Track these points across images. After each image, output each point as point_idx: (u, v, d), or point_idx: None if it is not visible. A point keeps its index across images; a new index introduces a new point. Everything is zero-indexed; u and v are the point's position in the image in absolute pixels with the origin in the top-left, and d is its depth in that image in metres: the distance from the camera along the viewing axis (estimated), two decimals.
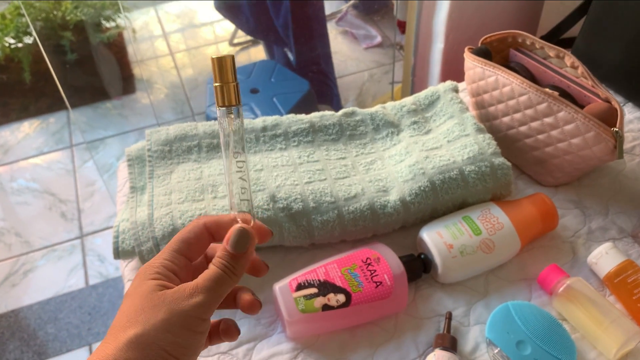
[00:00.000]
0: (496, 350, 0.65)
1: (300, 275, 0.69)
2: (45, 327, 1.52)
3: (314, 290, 0.67)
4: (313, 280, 0.68)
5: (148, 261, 0.45)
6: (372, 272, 0.69)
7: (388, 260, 0.71)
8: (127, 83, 2.39)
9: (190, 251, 0.46)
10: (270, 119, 0.85)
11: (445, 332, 0.67)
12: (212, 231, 0.47)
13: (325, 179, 0.78)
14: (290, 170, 0.79)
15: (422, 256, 0.73)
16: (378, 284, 0.68)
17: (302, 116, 0.86)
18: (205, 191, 0.76)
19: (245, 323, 0.69)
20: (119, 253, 0.72)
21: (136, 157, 0.83)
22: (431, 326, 0.69)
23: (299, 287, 0.68)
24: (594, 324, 0.66)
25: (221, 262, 0.44)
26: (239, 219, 0.47)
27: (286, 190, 0.74)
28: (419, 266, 0.73)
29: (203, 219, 0.47)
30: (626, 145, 0.89)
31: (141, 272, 0.44)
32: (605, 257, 0.72)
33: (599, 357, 0.66)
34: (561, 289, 0.69)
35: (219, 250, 0.45)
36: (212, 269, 0.43)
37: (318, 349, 0.67)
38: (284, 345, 0.68)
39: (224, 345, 0.68)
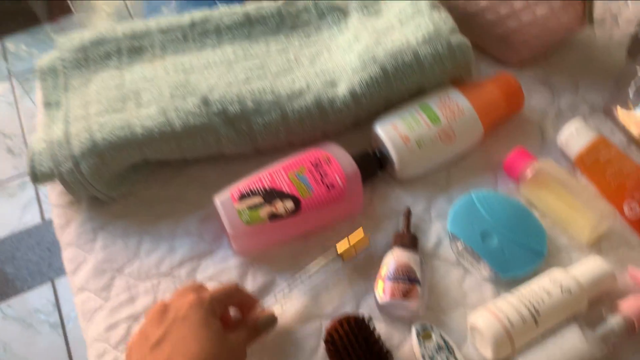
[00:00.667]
0: (460, 245, 0.60)
1: (242, 185, 0.62)
2: (4, 267, 1.46)
3: (258, 199, 0.61)
4: (257, 188, 0.61)
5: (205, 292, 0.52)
6: (323, 174, 0.62)
7: (339, 160, 0.63)
8: (58, 3, 2.18)
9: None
10: (199, 14, 0.75)
11: (404, 230, 0.62)
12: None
13: (265, 76, 0.69)
14: (225, 70, 0.69)
15: (377, 152, 0.66)
16: (329, 186, 0.62)
17: (236, 7, 0.76)
18: (127, 100, 0.66)
19: (186, 242, 0.63)
20: (36, 176, 0.63)
21: (49, 69, 0.72)
22: (390, 226, 0.64)
23: (242, 197, 0.61)
24: (565, 206, 0.61)
25: (249, 328, 0.54)
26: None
27: (220, 91, 0.65)
28: (373, 163, 0.66)
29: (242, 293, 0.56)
30: (596, 16, 0.81)
31: (209, 308, 0.50)
32: (575, 136, 0.66)
33: (571, 242, 0.62)
34: (529, 173, 0.63)
35: (249, 318, 0.55)
36: (243, 331, 0.53)
37: (269, 261, 0.61)
38: (232, 261, 0.62)
39: (165, 266, 0.61)
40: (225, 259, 0.62)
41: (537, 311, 0.53)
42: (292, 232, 0.62)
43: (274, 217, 0.60)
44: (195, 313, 0.49)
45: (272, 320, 0.55)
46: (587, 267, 0.57)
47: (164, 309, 0.50)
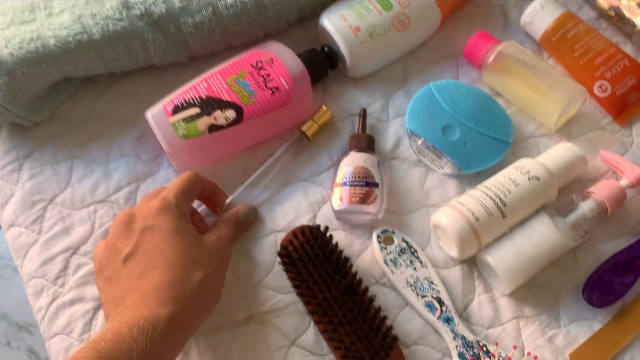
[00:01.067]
0: (420, 142, 0.55)
1: (176, 96, 0.55)
2: None
3: (195, 110, 0.54)
4: (193, 98, 0.55)
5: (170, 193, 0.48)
6: (266, 77, 0.56)
7: (284, 60, 0.57)
8: None
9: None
10: None
11: (359, 132, 0.57)
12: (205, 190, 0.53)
13: None
14: None
15: (326, 48, 0.60)
16: (274, 90, 0.55)
17: None
18: (36, 9, 0.58)
19: (122, 164, 0.57)
20: None
21: None
22: (345, 129, 0.58)
23: (177, 109, 0.54)
24: (531, 91, 0.56)
25: (231, 224, 0.52)
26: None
27: None
28: (322, 61, 0.59)
29: (195, 173, 0.51)
30: None
31: (177, 212, 0.47)
32: (540, 14, 0.59)
33: (539, 129, 0.57)
34: (491, 58, 0.57)
35: (228, 214, 0.53)
36: (224, 227, 0.51)
37: (217, 177, 0.56)
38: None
39: (100, 192, 0.56)
40: (167, 178, 0.56)
41: (503, 203, 0.49)
42: (236, 144, 0.57)
43: (213, 128, 0.54)
44: (163, 219, 0.46)
45: (253, 210, 0.53)
46: (555, 153, 0.53)
47: (129, 218, 0.47)
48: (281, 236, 0.53)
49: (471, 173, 0.55)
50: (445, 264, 0.52)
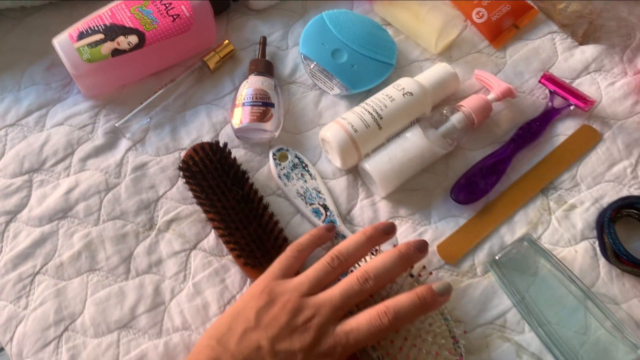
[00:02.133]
0: (312, 65, 0.60)
1: (81, 24, 0.58)
2: None
3: (99, 36, 0.57)
4: (97, 25, 0.58)
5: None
6: (167, 5, 0.59)
7: None
8: None
9: None
10: None
11: (259, 57, 0.61)
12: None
13: None
14: None
15: None
16: (175, 17, 0.59)
17: None
18: None
19: (32, 91, 0.60)
20: None
21: None
22: (247, 57, 0.63)
23: (81, 35, 0.57)
24: (413, 18, 0.61)
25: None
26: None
27: None
28: None
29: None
30: None
31: None
32: None
33: (423, 54, 0.63)
34: None
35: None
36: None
37: (122, 102, 0.60)
38: (82, 105, 0.60)
39: (11, 116, 0.59)
40: (75, 103, 0.60)
41: (379, 116, 0.54)
42: (140, 68, 0.60)
43: (117, 52, 0.57)
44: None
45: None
46: (431, 72, 0.58)
47: (269, 301, 0.45)
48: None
49: (359, 93, 0.60)
50: (333, 175, 0.57)
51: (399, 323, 0.44)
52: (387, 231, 0.49)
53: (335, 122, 0.55)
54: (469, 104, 0.56)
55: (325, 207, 0.55)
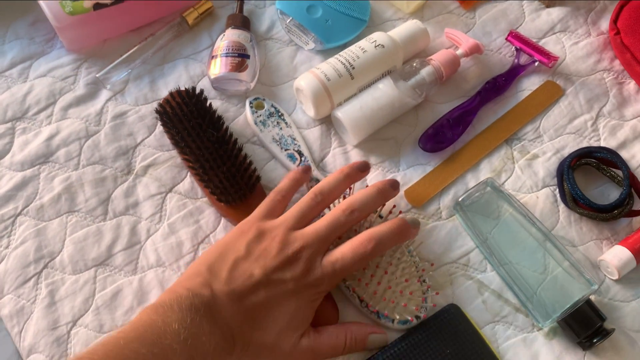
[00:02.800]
0: (288, 20, 0.62)
1: None
2: None
3: None
4: None
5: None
6: None
7: None
8: None
9: None
10: None
11: (237, 12, 0.63)
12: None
13: None
14: None
15: None
16: None
17: None
18: None
19: (16, 45, 0.62)
20: None
21: None
22: (226, 14, 0.64)
23: None
24: None
25: (350, 342, 0.49)
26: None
27: None
28: None
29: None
30: None
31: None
32: None
33: (396, 13, 0.65)
34: None
35: (358, 329, 0.49)
36: (341, 339, 0.49)
37: (103, 56, 0.61)
38: (65, 58, 0.61)
39: None
40: (58, 57, 0.61)
41: (352, 66, 0.56)
42: (121, 22, 0.62)
43: (98, 6, 0.59)
44: (304, 299, 0.46)
45: (384, 340, 0.50)
46: (402, 27, 0.60)
47: (297, 262, 0.46)
48: None
49: (333, 48, 0.62)
50: (307, 125, 0.59)
51: (380, 250, 0.47)
52: (362, 169, 0.52)
53: (309, 72, 0.57)
54: (438, 58, 0.58)
55: (300, 153, 0.57)
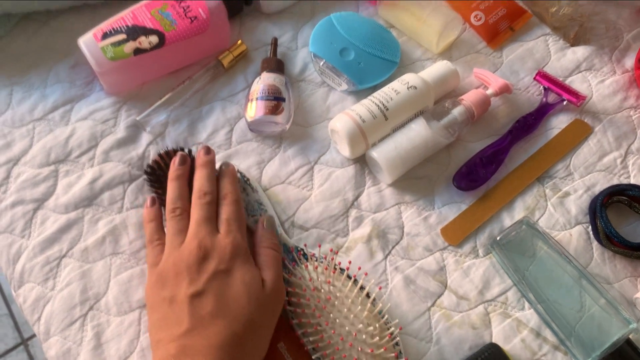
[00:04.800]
0: (322, 63, 0.64)
1: (105, 25, 0.62)
2: None
3: (122, 36, 0.61)
4: (120, 27, 0.62)
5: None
6: (186, 8, 0.63)
7: None
8: None
9: None
10: None
11: (270, 56, 0.65)
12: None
13: None
14: None
15: None
16: (193, 19, 0.63)
17: None
18: None
19: (58, 88, 0.64)
20: None
21: None
22: (259, 57, 0.66)
23: (105, 35, 0.61)
24: (415, 19, 0.65)
25: (271, 244, 0.52)
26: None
27: None
28: None
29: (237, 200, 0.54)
30: None
31: (249, 259, 0.50)
32: None
33: (425, 54, 0.67)
34: None
35: (266, 234, 0.53)
36: (270, 253, 0.51)
37: (142, 98, 0.63)
38: (105, 101, 0.63)
39: (38, 111, 0.62)
40: (98, 99, 0.63)
41: (386, 107, 0.58)
42: (160, 66, 0.64)
43: (138, 51, 0.61)
44: (237, 266, 0.48)
45: (271, 218, 0.55)
46: (433, 68, 0.62)
47: (204, 254, 0.48)
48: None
49: (365, 89, 0.63)
50: (342, 164, 0.61)
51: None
52: (181, 162, 0.54)
53: (344, 113, 0.59)
54: (469, 98, 0.60)
55: None
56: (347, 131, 0.57)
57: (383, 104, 0.58)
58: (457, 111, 0.59)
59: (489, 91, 0.61)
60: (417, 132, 0.58)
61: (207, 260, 0.48)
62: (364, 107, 0.58)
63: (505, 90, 0.61)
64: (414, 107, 0.60)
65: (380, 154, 0.57)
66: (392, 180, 0.58)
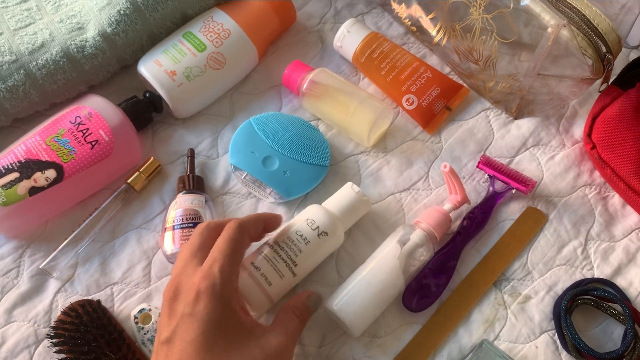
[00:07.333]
0: (244, 176, 0.58)
1: None
2: None
3: (14, 175, 0.54)
4: (11, 164, 0.54)
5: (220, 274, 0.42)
6: (85, 131, 0.56)
7: (103, 113, 0.58)
8: None
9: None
10: None
11: (187, 173, 0.58)
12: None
13: (0, 33, 0.60)
14: None
15: (147, 94, 0.61)
16: (93, 143, 0.56)
17: None
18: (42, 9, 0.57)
19: None
20: None
21: None
22: (176, 171, 0.60)
23: None
24: (343, 113, 0.59)
25: (301, 314, 0.47)
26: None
27: None
28: (146, 107, 0.60)
29: (240, 224, 0.46)
30: None
31: (223, 296, 0.41)
32: (347, 37, 0.63)
33: (357, 147, 0.61)
34: (305, 86, 0.60)
35: (297, 301, 0.47)
36: (293, 319, 0.46)
37: (47, 238, 0.56)
38: (5, 248, 0.56)
39: None
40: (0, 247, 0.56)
41: (294, 263, 0.50)
42: (61, 203, 0.57)
43: (34, 190, 0.54)
44: (205, 306, 0.40)
45: (320, 298, 0.49)
46: (340, 196, 0.54)
47: (174, 294, 0.42)
48: (117, 289, 0.54)
49: (295, 199, 0.57)
50: None
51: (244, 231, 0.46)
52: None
53: (248, 273, 0.49)
54: (425, 221, 0.53)
55: None
56: (254, 300, 0.49)
57: (292, 260, 0.50)
58: (416, 237, 0.52)
59: (447, 206, 0.55)
60: (388, 280, 0.50)
61: (176, 301, 0.42)
62: (270, 265, 0.49)
63: (465, 202, 0.55)
64: (324, 254, 0.53)
65: (346, 312, 0.49)
66: (360, 332, 0.51)
